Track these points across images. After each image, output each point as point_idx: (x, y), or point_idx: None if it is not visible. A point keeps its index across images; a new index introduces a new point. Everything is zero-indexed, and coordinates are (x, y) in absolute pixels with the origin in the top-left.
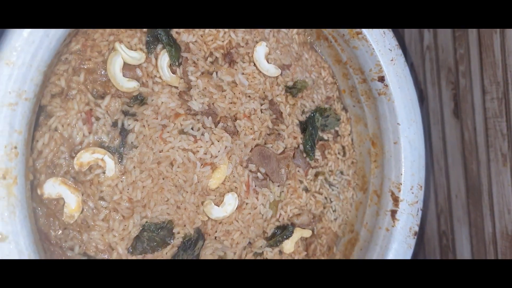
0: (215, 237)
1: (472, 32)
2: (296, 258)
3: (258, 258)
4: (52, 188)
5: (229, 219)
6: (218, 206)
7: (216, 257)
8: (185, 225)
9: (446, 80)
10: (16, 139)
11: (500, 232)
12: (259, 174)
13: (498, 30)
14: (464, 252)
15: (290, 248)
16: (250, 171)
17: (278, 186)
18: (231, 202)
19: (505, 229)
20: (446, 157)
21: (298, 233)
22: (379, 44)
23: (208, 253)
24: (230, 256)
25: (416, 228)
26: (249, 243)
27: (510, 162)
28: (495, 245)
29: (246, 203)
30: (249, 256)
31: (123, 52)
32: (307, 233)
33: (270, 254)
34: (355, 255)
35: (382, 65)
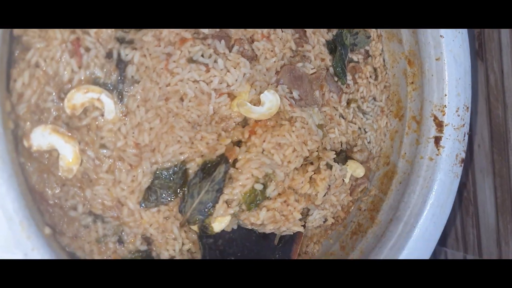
0: (263, 150)
1: None
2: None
3: (318, 176)
4: (42, 138)
5: (281, 131)
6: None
7: (262, 174)
8: (202, 155)
9: None
10: None
11: None
12: (294, 94)
13: None
14: (487, 204)
15: (360, 173)
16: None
17: (317, 108)
18: (271, 98)
19: None
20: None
21: (354, 166)
22: None
23: (253, 166)
24: (279, 176)
25: (463, 155)
26: (303, 165)
27: None
28: None
29: (296, 118)
30: (309, 174)
31: None
32: (361, 170)
33: (339, 172)
34: (394, 189)
35: None
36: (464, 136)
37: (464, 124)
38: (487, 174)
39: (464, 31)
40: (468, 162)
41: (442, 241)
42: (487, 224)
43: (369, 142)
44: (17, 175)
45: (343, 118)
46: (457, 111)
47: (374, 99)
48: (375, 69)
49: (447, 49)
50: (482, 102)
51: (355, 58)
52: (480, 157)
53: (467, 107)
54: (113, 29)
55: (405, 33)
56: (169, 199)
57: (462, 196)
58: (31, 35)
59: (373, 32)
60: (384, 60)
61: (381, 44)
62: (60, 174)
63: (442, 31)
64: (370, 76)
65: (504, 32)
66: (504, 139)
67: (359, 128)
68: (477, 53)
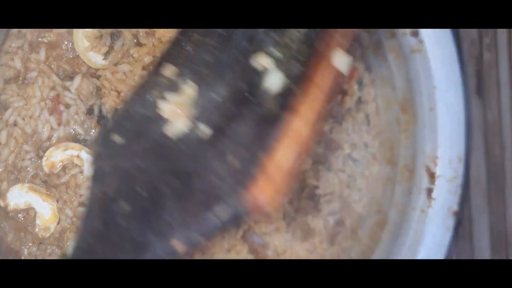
0: None
1: None
2: (318, 245)
3: None
4: (19, 197)
5: None
6: None
7: None
8: None
9: (467, 54)
10: None
11: None
12: None
13: None
14: (482, 242)
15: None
16: None
17: None
18: None
19: None
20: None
21: None
22: None
23: None
24: None
25: (455, 207)
26: None
27: None
28: None
29: None
30: None
31: None
32: None
33: None
34: (384, 239)
35: None
36: (457, 188)
37: (456, 176)
38: (483, 212)
39: (459, 81)
40: (464, 199)
41: None
42: None
43: (359, 190)
44: None
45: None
46: (449, 163)
47: (366, 145)
48: (367, 115)
49: (441, 100)
50: (479, 139)
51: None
52: (476, 194)
53: (460, 159)
54: (93, 86)
55: (398, 80)
56: None
57: (459, 233)
58: (10, 94)
59: (366, 77)
60: (377, 106)
61: (374, 89)
62: (37, 232)
63: (436, 81)
64: (362, 123)
65: (503, 70)
66: (501, 178)
67: (349, 176)
68: (476, 90)
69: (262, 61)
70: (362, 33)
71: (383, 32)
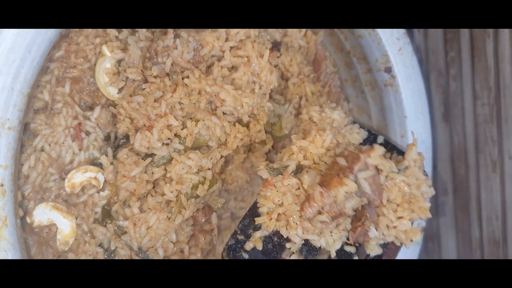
0: None
1: (464, 35)
2: None
3: None
4: (43, 214)
5: None
6: None
7: None
8: None
9: (436, 83)
10: (1, 175)
11: (487, 237)
12: None
13: (491, 33)
14: (450, 255)
15: None
16: None
17: None
18: None
19: (492, 234)
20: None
21: None
22: (386, 33)
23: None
24: None
25: (423, 224)
26: None
27: (499, 169)
28: (481, 250)
29: None
30: None
31: (112, 55)
32: None
33: None
34: None
35: (390, 55)
36: None
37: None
38: (450, 228)
39: (426, 113)
40: (434, 215)
41: None
42: None
43: None
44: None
45: None
46: None
47: None
48: None
49: (411, 128)
50: (446, 160)
51: None
52: (444, 212)
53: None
54: (110, 114)
55: (373, 109)
56: None
57: (428, 247)
58: (38, 123)
59: (344, 106)
60: None
61: (352, 117)
62: (57, 246)
63: (407, 111)
64: None
65: (467, 100)
66: (466, 196)
67: None
68: (443, 116)
69: None
70: (342, 67)
71: (360, 68)
